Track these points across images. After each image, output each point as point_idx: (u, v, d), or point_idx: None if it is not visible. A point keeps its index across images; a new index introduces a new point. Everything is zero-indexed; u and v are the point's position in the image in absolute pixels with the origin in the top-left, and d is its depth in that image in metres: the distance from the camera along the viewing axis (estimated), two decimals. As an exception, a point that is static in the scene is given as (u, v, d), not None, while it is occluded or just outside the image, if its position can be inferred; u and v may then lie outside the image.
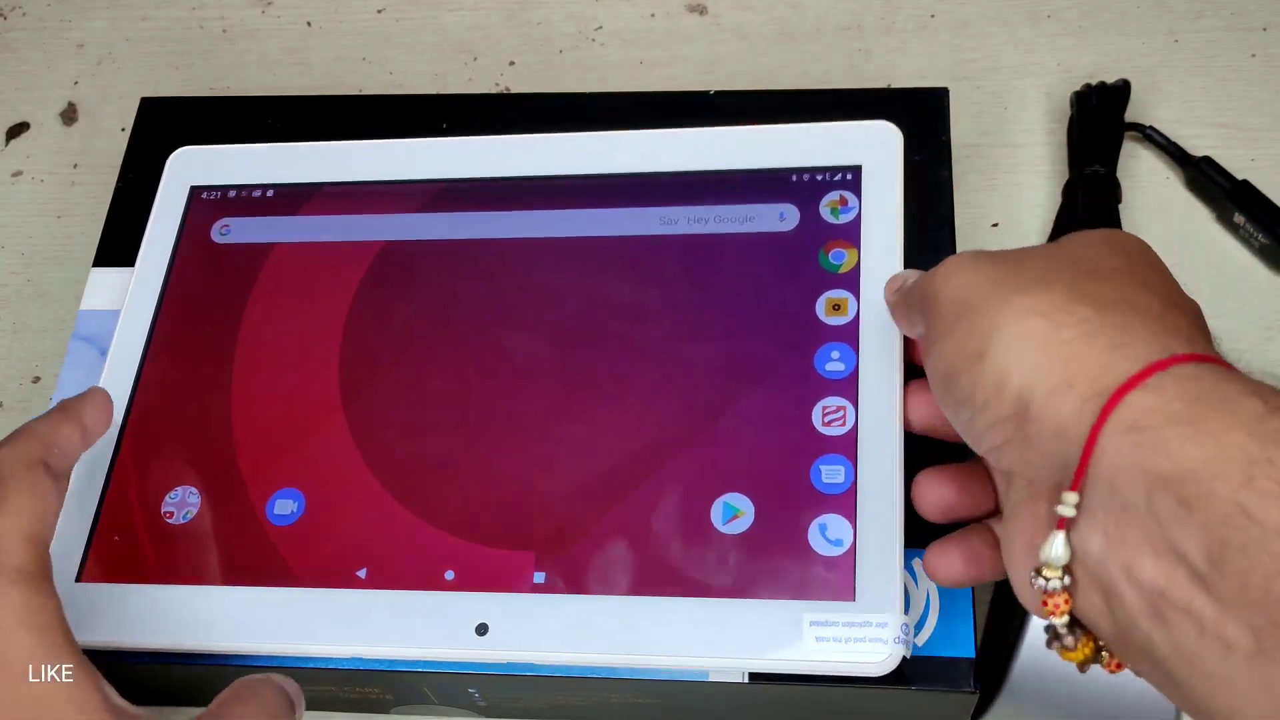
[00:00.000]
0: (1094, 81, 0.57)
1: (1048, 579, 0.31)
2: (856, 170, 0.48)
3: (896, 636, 0.40)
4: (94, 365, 0.50)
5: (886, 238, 0.46)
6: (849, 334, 0.45)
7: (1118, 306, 0.32)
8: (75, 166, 0.63)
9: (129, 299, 0.50)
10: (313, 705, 0.50)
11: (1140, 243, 0.36)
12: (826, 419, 0.43)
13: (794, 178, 0.48)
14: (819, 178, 0.48)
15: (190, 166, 0.53)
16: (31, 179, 0.63)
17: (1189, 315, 0.34)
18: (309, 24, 0.65)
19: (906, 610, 0.41)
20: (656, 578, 0.42)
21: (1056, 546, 0.31)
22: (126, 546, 0.45)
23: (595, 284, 0.47)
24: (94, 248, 0.54)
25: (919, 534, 0.41)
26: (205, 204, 0.52)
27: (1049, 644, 0.33)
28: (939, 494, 0.39)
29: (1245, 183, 0.54)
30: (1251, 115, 0.58)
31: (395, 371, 0.47)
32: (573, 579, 0.42)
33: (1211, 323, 0.54)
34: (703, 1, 0.63)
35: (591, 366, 0.46)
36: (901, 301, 0.41)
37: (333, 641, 0.43)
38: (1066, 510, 0.31)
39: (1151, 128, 0.57)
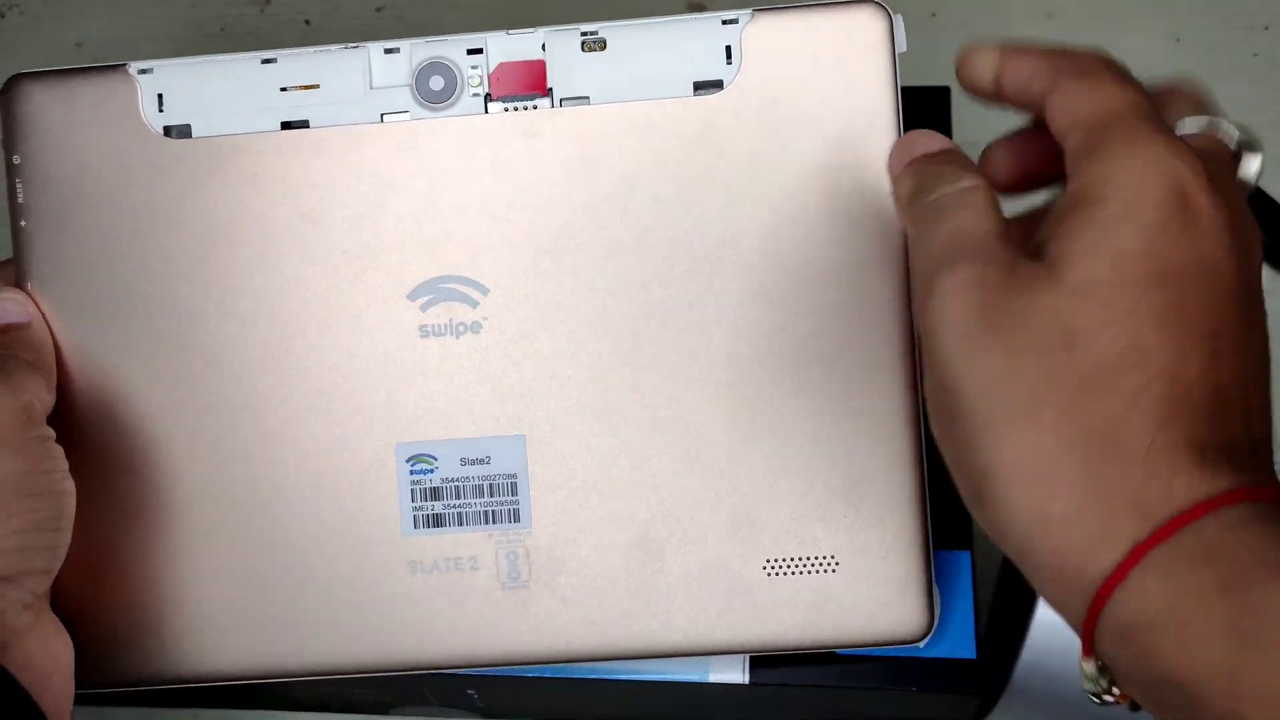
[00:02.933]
0: (1096, 80, 0.57)
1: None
2: None
3: None
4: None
5: None
6: None
7: (1111, 449, 0.29)
8: (73, 166, 0.62)
9: None
10: (313, 706, 0.50)
11: (1214, 244, 0.30)
12: None
13: None
14: None
15: None
16: (29, 178, 0.62)
17: (1242, 397, 0.30)
18: (307, 23, 0.65)
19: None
20: None
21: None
22: None
23: None
24: (92, 247, 0.54)
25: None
26: None
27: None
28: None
29: (1248, 182, 0.54)
30: (1254, 114, 0.57)
31: None
32: None
33: (1214, 323, 0.54)
34: (702, 0, 0.63)
35: None
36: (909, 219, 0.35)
37: None
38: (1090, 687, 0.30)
39: (1153, 127, 0.56)
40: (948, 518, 0.41)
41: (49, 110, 0.39)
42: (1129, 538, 0.28)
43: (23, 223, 0.39)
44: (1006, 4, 0.61)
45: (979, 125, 0.58)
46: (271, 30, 0.65)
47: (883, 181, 0.38)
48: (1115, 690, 0.30)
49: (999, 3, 0.62)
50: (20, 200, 0.39)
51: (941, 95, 0.52)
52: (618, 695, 0.44)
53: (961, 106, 0.57)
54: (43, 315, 0.39)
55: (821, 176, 0.38)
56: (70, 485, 0.37)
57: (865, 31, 0.38)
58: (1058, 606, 0.30)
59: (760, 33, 0.38)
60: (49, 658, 0.36)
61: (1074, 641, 0.31)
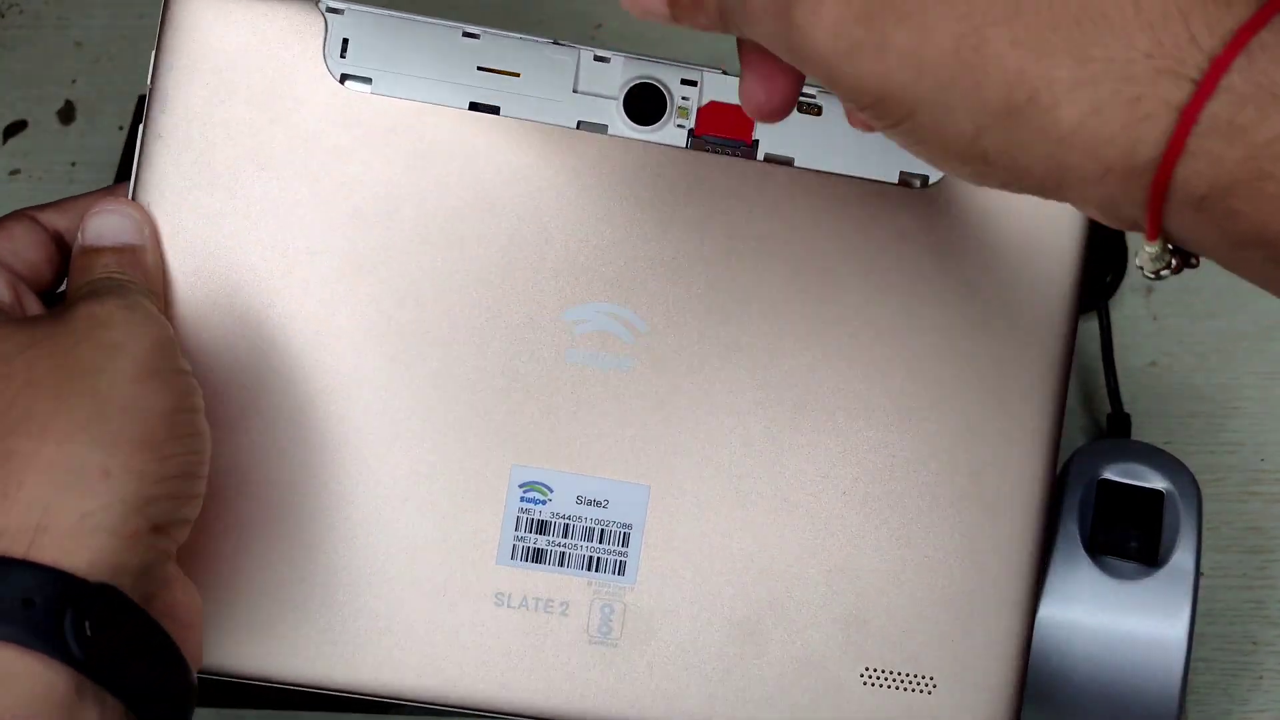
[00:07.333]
0: (1094, 79, 0.57)
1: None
2: None
3: None
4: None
5: None
6: None
7: (1095, 22, 0.26)
8: (73, 165, 0.62)
9: None
10: (314, 705, 0.50)
11: None
12: None
13: None
14: None
15: None
16: (29, 177, 0.63)
17: None
18: (307, 22, 0.65)
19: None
20: None
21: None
22: None
23: None
24: (93, 247, 0.54)
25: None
26: None
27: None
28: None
29: (1245, 181, 0.54)
30: (1252, 113, 0.57)
31: None
32: None
33: (1211, 322, 0.54)
34: None
35: None
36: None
37: None
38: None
39: (1152, 126, 0.56)
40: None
41: (216, 22, 0.36)
42: (1166, 105, 0.25)
43: (153, 135, 0.35)
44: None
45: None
46: (271, 29, 0.65)
47: (1052, 299, 0.38)
48: (1174, 262, 0.28)
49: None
50: (157, 111, 0.35)
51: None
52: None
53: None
54: (158, 240, 0.35)
55: (1000, 288, 0.38)
56: (208, 428, 0.34)
57: None
58: (1104, 211, 0.28)
59: None
60: (189, 609, 0.35)
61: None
